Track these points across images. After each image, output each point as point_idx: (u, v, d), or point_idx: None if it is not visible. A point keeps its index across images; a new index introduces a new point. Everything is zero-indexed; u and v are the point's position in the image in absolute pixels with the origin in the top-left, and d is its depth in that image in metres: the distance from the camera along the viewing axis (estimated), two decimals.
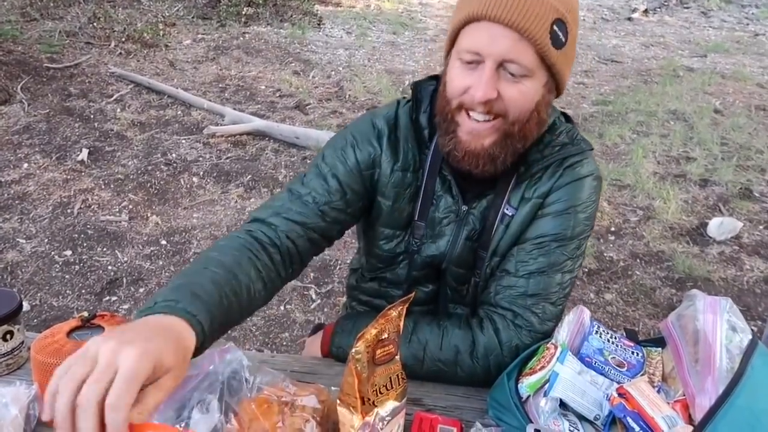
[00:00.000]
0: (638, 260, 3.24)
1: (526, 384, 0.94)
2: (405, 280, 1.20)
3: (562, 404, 0.92)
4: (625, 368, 0.97)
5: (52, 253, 3.05)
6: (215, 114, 4.72)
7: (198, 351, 0.79)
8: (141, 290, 2.83)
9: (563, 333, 1.00)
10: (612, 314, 2.84)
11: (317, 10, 7.80)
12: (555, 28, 0.95)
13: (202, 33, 6.69)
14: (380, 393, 0.82)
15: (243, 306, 0.93)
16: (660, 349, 1.03)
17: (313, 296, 2.87)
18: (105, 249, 3.10)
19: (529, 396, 0.94)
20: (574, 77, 6.08)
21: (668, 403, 0.89)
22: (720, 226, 3.46)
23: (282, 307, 2.78)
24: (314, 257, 1.15)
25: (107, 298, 2.77)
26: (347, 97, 5.29)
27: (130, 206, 3.48)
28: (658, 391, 0.93)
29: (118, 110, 4.70)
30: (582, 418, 0.92)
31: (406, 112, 1.13)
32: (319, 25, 7.48)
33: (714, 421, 0.82)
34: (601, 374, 0.95)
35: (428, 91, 1.12)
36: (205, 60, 5.95)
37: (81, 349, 0.66)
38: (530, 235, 1.09)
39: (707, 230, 3.49)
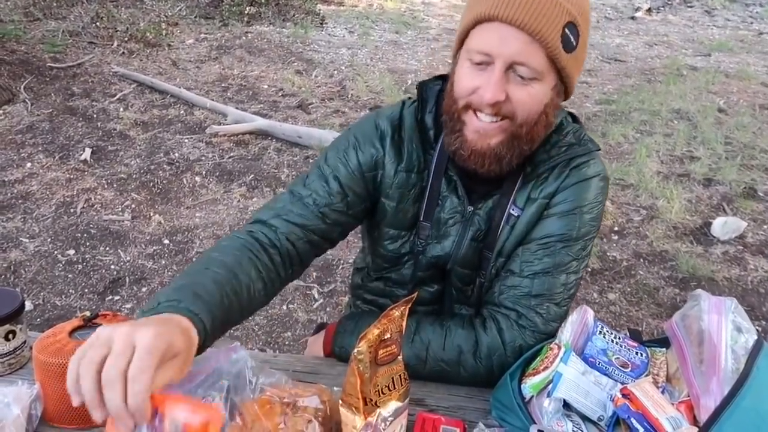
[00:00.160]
0: (642, 260, 3.23)
1: (530, 384, 0.94)
2: (410, 280, 1.19)
3: (566, 405, 0.92)
4: (629, 369, 0.96)
5: (55, 252, 3.05)
6: (218, 113, 4.73)
7: (200, 350, 0.80)
8: (144, 289, 2.83)
9: (567, 333, 1.00)
10: (615, 314, 2.83)
11: (320, 10, 7.79)
12: (567, 31, 0.94)
13: (204, 32, 6.69)
14: (383, 393, 0.82)
15: (243, 305, 0.93)
16: (664, 349, 1.03)
17: (316, 295, 2.87)
18: (108, 248, 3.10)
19: (532, 396, 0.94)
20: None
21: (673, 404, 0.89)
22: (724, 226, 3.45)
23: (284, 307, 2.78)
24: (316, 258, 1.15)
25: (110, 297, 2.78)
26: (350, 96, 5.29)
27: (133, 206, 3.49)
28: (663, 392, 0.93)
29: (121, 110, 4.70)
30: (585, 418, 0.92)
31: (411, 113, 1.13)
32: (321, 24, 7.47)
33: (719, 422, 0.82)
34: (605, 375, 0.94)
35: (434, 92, 1.12)
36: (208, 59, 5.95)
37: (92, 337, 0.69)
38: (536, 235, 1.08)
39: (711, 230, 3.48)
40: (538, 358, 0.99)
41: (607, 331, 1.02)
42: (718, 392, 0.85)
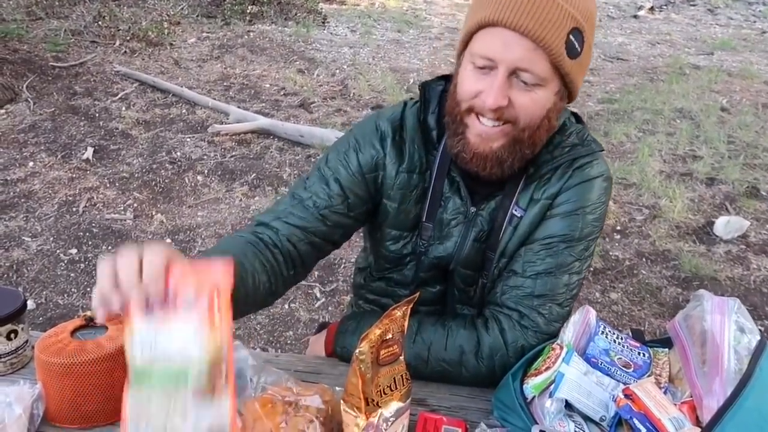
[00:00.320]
0: (644, 259, 3.23)
1: (532, 385, 0.94)
2: (412, 280, 1.19)
3: (568, 405, 0.91)
4: (632, 369, 0.96)
5: (58, 251, 3.06)
6: (220, 112, 4.73)
7: None
8: None
9: (569, 333, 0.99)
10: (618, 313, 2.83)
11: (322, 9, 7.79)
12: (571, 37, 0.93)
13: (206, 31, 6.69)
14: (384, 393, 0.82)
15: (249, 293, 0.94)
16: (667, 349, 1.02)
17: (318, 295, 2.87)
18: (110, 247, 3.10)
19: (534, 397, 0.94)
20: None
21: (675, 404, 0.89)
22: (727, 225, 3.44)
23: (286, 306, 2.78)
24: (320, 259, 1.15)
25: None
26: (352, 95, 5.28)
27: (135, 205, 3.49)
28: (665, 393, 0.92)
29: (123, 109, 4.71)
30: (588, 419, 0.92)
31: (413, 113, 1.13)
32: (323, 23, 7.47)
33: (722, 423, 0.82)
34: (607, 375, 0.94)
35: (437, 92, 1.11)
36: (210, 58, 5.95)
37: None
38: (538, 235, 1.08)
39: (714, 229, 3.47)
40: (540, 359, 0.98)
41: (610, 331, 1.02)
42: (721, 393, 0.85)
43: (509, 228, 1.10)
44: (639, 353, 0.99)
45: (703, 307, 0.97)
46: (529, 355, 1.01)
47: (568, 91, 1.01)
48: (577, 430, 0.89)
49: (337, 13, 8.02)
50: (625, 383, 0.93)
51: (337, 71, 5.85)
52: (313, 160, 4.05)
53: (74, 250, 3.07)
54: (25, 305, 1.03)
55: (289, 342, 2.59)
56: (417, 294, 0.88)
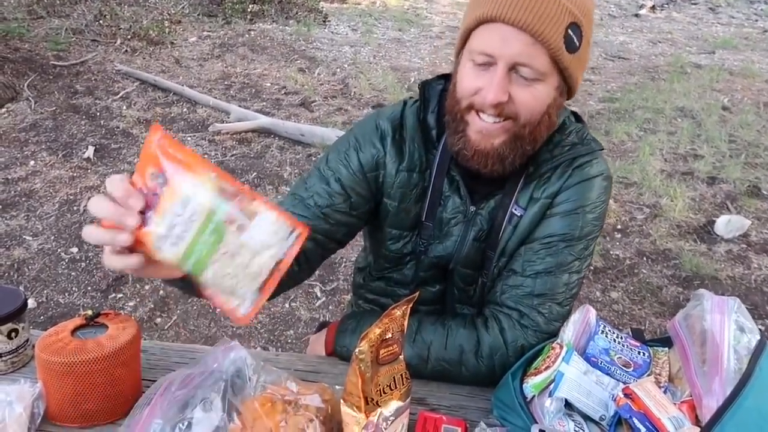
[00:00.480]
0: (645, 258, 3.22)
1: (531, 384, 0.94)
2: (412, 280, 1.19)
3: (568, 404, 0.91)
4: (632, 368, 0.96)
5: (59, 250, 3.06)
6: (221, 111, 4.73)
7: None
8: (146, 287, 2.84)
9: (569, 332, 0.99)
10: (618, 313, 2.83)
11: (322, 7, 7.79)
12: (570, 32, 0.93)
13: (207, 30, 6.69)
14: (384, 393, 0.82)
15: None
16: (667, 349, 1.02)
17: (318, 294, 2.87)
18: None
19: (534, 396, 0.94)
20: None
21: (675, 403, 0.89)
22: (728, 224, 3.44)
23: (287, 305, 2.79)
24: (324, 259, 1.14)
25: (113, 295, 2.78)
26: (352, 94, 5.28)
27: None
28: (665, 392, 0.92)
29: (124, 107, 4.71)
30: (587, 418, 0.92)
31: (413, 112, 1.13)
32: (324, 22, 7.47)
33: (721, 422, 0.82)
34: (607, 374, 0.94)
35: (436, 91, 1.11)
36: (211, 57, 5.95)
37: None
38: (538, 234, 1.08)
39: (715, 228, 3.47)
40: (540, 358, 0.98)
41: (610, 331, 1.02)
42: (721, 392, 0.85)
43: (509, 227, 1.09)
44: (639, 352, 0.99)
45: (703, 306, 0.97)
46: (528, 354, 1.01)
47: (567, 87, 1.01)
48: (576, 429, 0.89)
49: (338, 11, 8.02)
50: (624, 382, 0.93)
51: (338, 70, 5.85)
52: (313, 159, 4.05)
53: (75, 249, 3.07)
54: (25, 304, 1.03)
55: (289, 341, 2.59)
56: (417, 293, 0.88)
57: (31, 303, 2.67)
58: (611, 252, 3.27)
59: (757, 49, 7.35)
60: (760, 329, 0.95)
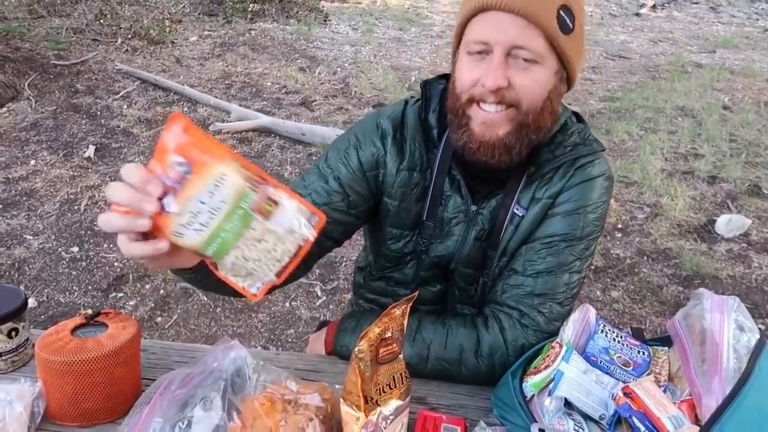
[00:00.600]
0: (645, 258, 3.22)
1: (531, 383, 0.94)
2: (413, 279, 1.19)
3: (567, 403, 0.91)
4: (631, 367, 0.96)
5: (59, 249, 3.06)
6: (221, 111, 4.73)
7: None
8: (147, 287, 2.84)
9: (568, 332, 0.99)
10: (618, 312, 2.83)
11: (323, 7, 7.79)
12: (562, 13, 0.95)
13: (208, 30, 6.70)
14: (383, 392, 0.82)
15: None
16: (666, 348, 1.02)
17: (319, 293, 2.87)
18: (111, 245, 3.11)
19: (533, 395, 0.94)
20: (581, 73, 6.05)
21: (674, 402, 0.89)
22: (728, 224, 3.44)
23: (287, 304, 2.79)
24: (320, 257, 1.15)
25: (113, 294, 2.79)
26: (353, 93, 5.28)
27: None
28: (664, 391, 0.92)
29: (125, 107, 4.71)
30: (587, 417, 0.92)
31: (414, 112, 1.13)
32: (325, 21, 7.47)
33: (721, 421, 0.82)
34: (607, 373, 0.94)
35: (437, 90, 1.11)
36: (211, 57, 5.95)
37: None
38: (539, 234, 1.08)
39: (715, 227, 3.46)
40: (540, 357, 0.98)
41: (609, 330, 1.02)
42: (720, 391, 0.85)
43: (510, 227, 1.09)
44: (638, 352, 0.99)
45: (703, 305, 0.97)
46: (528, 353, 1.01)
47: (567, 74, 1.02)
48: (576, 428, 0.89)
49: (339, 11, 8.02)
50: (624, 382, 0.93)
51: (339, 69, 5.85)
52: (314, 158, 4.05)
53: (76, 249, 3.07)
54: (26, 303, 1.04)
55: (290, 340, 2.59)
56: (416, 292, 0.88)
57: (31, 302, 2.68)
58: (612, 251, 3.26)
59: (757, 48, 7.34)
60: (760, 328, 0.95)
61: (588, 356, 0.96)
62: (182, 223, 0.68)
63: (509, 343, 1.04)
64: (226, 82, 5.40)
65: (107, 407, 0.94)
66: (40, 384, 0.94)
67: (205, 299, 2.77)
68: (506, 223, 1.09)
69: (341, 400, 0.82)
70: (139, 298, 2.76)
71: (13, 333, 1.02)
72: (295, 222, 0.71)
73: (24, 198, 3.48)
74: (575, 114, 1.14)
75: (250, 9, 7.23)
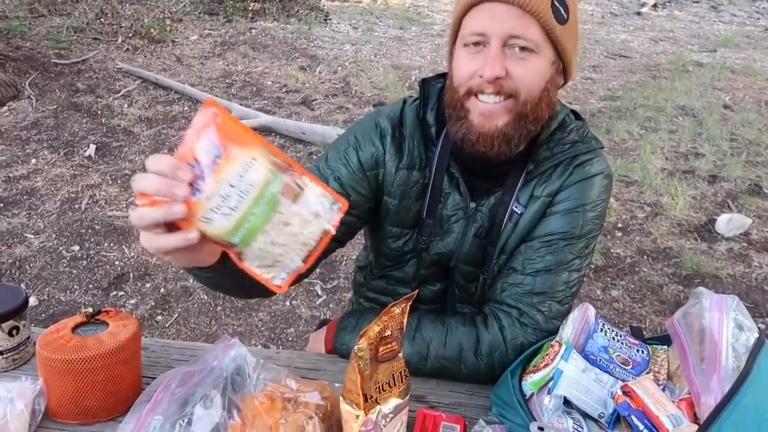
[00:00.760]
0: (645, 257, 3.22)
1: (530, 382, 0.94)
2: (413, 278, 1.20)
3: (566, 402, 0.92)
4: (630, 366, 0.96)
5: (60, 248, 3.07)
6: None
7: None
8: (147, 285, 2.84)
9: (568, 330, 1.00)
10: (618, 311, 2.83)
11: (324, 6, 7.79)
12: (556, 3, 0.95)
13: (208, 29, 6.70)
14: (383, 390, 0.82)
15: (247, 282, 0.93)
16: (665, 347, 1.03)
17: (319, 292, 2.87)
18: (112, 244, 3.11)
19: (532, 394, 0.94)
20: (582, 72, 6.05)
21: (673, 401, 0.89)
22: (728, 223, 3.44)
23: (288, 303, 2.79)
24: (324, 258, 1.14)
25: (114, 293, 2.79)
26: (354, 92, 5.28)
27: None
28: (663, 390, 0.92)
29: (126, 106, 4.71)
30: (586, 416, 0.92)
31: (413, 110, 1.13)
32: (325, 20, 7.47)
33: (719, 420, 0.82)
34: (606, 372, 0.94)
35: (436, 89, 1.12)
36: (212, 56, 5.96)
37: None
38: (538, 232, 1.08)
39: (715, 227, 3.46)
40: (539, 356, 0.99)
41: (609, 329, 1.02)
42: (719, 390, 0.85)
43: (509, 224, 1.10)
44: (638, 350, 1.00)
45: (702, 304, 0.97)
46: (528, 352, 1.01)
47: (563, 64, 1.02)
48: (575, 427, 0.89)
49: (339, 10, 8.02)
50: (623, 380, 0.93)
51: (339, 68, 5.85)
52: (314, 157, 4.05)
53: (76, 247, 3.08)
54: (26, 302, 1.04)
55: (290, 339, 2.59)
56: (416, 291, 0.88)
57: (32, 301, 2.68)
58: (612, 250, 3.27)
59: (758, 47, 7.33)
60: (759, 328, 0.95)
61: (587, 355, 0.97)
62: (211, 207, 0.69)
63: (508, 341, 1.05)
64: (227, 81, 5.40)
65: (108, 405, 0.94)
66: (41, 382, 0.94)
67: (206, 298, 2.77)
68: (505, 220, 1.10)
69: (341, 398, 0.82)
70: (139, 297, 2.77)
71: (14, 331, 1.02)
72: (319, 206, 0.72)
73: (25, 197, 3.48)
74: (573, 112, 1.15)
75: (250, 8, 7.23)
